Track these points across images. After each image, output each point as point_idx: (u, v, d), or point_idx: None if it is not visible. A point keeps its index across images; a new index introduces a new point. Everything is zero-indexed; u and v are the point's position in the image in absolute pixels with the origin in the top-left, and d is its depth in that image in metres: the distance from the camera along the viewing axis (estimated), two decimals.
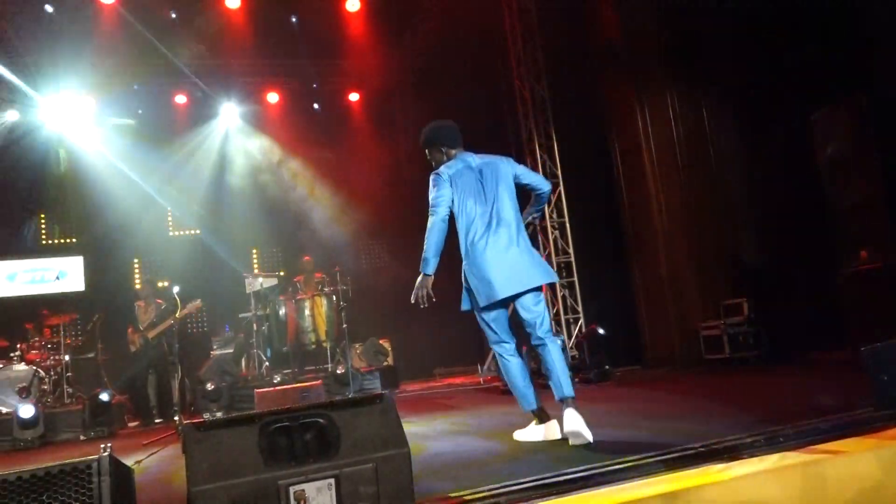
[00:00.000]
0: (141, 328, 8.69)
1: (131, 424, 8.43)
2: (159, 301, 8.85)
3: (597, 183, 9.41)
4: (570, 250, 9.82)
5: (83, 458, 1.99)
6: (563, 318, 9.65)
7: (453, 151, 3.91)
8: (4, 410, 7.77)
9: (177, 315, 7.35)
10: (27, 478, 1.96)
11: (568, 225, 9.83)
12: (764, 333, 7.53)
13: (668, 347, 8.62)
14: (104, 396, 7.62)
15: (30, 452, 6.94)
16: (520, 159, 4.53)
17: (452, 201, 3.74)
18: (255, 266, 11.23)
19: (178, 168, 10.87)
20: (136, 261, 11.18)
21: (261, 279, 8.88)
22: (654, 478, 2.64)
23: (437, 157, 3.95)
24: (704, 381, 6.83)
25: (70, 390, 8.44)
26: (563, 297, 9.77)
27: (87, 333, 9.29)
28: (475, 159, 3.88)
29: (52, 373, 8.38)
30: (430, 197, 3.76)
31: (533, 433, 3.83)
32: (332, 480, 2.47)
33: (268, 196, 11.18)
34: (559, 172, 9.84)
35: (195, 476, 2.61)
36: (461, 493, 2.68)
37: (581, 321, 9.55)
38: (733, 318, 7.74)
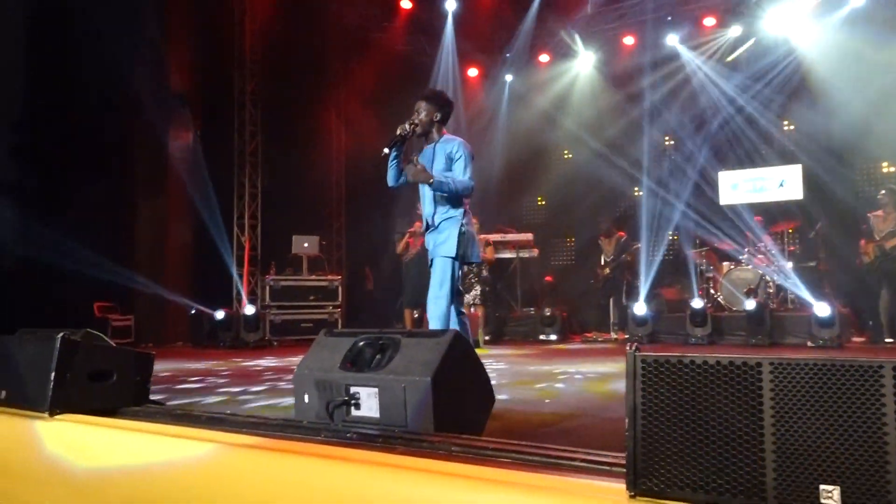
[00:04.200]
0: (877, 238, 8.04)
1: (856, 339, 8.02)
2: None
3: None
4: None
5: None
6: None
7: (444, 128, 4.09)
8: (734, 308, 8.47)
9: None
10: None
11: None
12: None
13: None
14: (822, 310, 7.44)
15: (760, 349, 7.40)
16: None
17: None
18: None
19: None
20: (878, 165, 10.11)
21: None
22: None
23: (429, 121, 3.96)
24: None
25: (792, 296, 8.56)
26: None
27: (807, 242, 9.20)
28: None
29: (776, 277, 8.64)
30: (469, 171, 3.93)
31: None
32: None
33: None
34: None
35: None
36: None
37: None
38: None
